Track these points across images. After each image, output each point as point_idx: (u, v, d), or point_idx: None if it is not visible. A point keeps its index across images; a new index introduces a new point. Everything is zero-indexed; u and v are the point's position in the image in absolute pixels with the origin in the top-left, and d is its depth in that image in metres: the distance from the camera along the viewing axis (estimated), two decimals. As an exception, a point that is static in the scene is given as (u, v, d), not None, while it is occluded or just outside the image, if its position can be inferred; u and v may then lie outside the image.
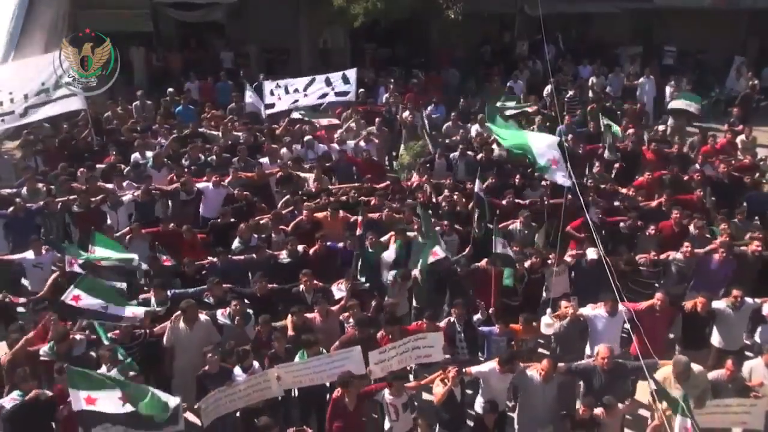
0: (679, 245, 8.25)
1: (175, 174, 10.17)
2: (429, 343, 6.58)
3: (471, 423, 6.56)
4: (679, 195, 9.69)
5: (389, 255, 8.23)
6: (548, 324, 6.92)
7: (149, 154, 10.98)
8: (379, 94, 15.53)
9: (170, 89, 14.71)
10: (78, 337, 6.74)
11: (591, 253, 8.00)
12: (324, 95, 12.42)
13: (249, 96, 13.71)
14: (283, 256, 8.27)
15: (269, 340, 6.77)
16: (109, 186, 9.84)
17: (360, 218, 8.44)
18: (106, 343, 6.55)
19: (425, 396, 7.00)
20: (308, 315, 7.13)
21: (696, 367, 6.17)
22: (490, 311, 7.35)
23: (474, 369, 6.38)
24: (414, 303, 8.14)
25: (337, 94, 12.42)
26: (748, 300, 7.11)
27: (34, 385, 6.01)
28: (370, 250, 8.21)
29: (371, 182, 10.17)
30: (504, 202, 9.46)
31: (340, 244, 8.44)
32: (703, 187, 10.19)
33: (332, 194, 9.85)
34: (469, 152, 11.30)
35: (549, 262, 7.93)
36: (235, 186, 9.94)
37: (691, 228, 8.71)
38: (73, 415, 5.76)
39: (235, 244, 8.59)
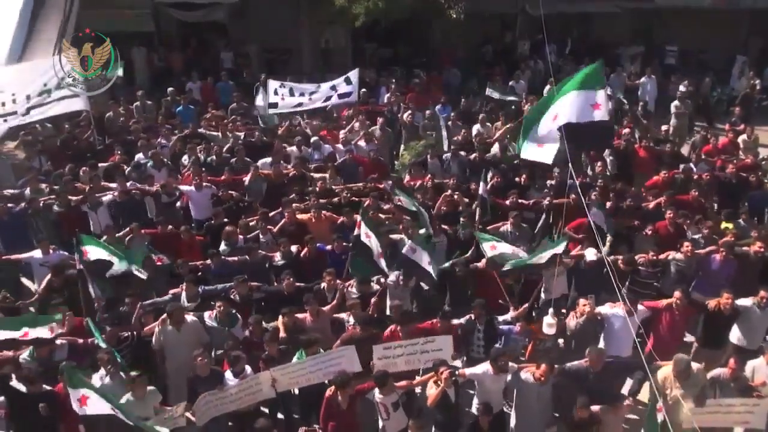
0: (675, 245, 8.25)
1: (192, 173, 10.14)
2: (438, 347, 6.54)
3: (469, 422, 6.52)
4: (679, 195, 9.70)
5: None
6: (550, 324, 6.91)
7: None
8: (380, 94, 15.54)
9: (170, 89, 14.74)
10: (59, 341, 6.69)
11: (590, 254, 8.00)
12: (328, 98, 12.57)
13: (260, 99, 13.82)
14: (278, 257, 8.30)
15: (261, 341, 6.76)
16: (113, 185, 9.83)
17: (359, 219, 8.39)
18: (102, 345, 6.52)
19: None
20: (299, 315, 7.13)
21: (695, 366, 6.18)
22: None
23: (468, 371, 6.37)
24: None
25: (340, 96, 12.54)
26: None
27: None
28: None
29: (375, 182, 10.16)
30: (507, 202, 9.44)
31: (328, 247, 8.44)
32: (710, 187, 10.18)
33: (317, 195, 9.71)
34: (462, 152, 11.33)
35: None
36: (254, 186, 9.99)
37: (696, 228, 8.71)
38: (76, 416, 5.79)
39: (222, 246, 8.57)
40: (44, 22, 14.64)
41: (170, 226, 8.92)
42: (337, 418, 6.11)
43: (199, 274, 8.06)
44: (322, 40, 19.67)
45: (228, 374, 6.35)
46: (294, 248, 8.38)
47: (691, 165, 10.99)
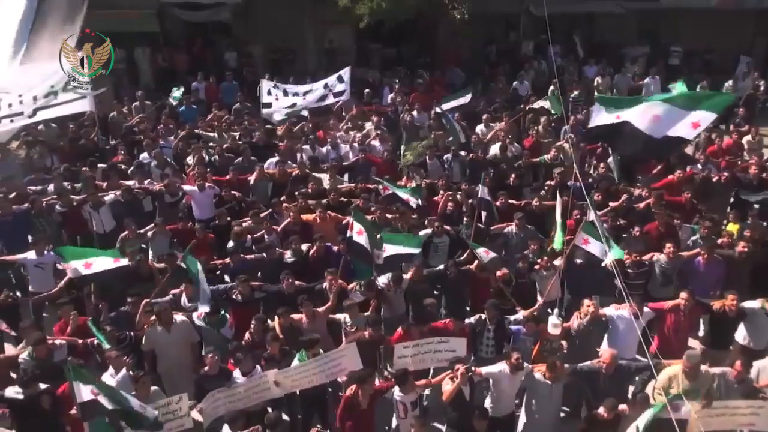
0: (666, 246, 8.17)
1: (197, 173, 10.07)
2: (451, 348, 6.56)
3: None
4: (700, 195, 9.64)
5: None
6: (555, 324, 6.89)
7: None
8: (384, 94, 15.54)
9: (181, 89, 14.69)
10: (58, 342, 6.68)
11: (579, 258, 7.96)
12: (323, 97, 12.61)
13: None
14: (288, 255, 8.30)
15: (262, 340, 6.76)
16: (129, 183, 9.85)
17: (350, 220, 8.31)
18: (106, 346, 6.50)
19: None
20: (295, 316, 7.11)
21: (702, 367, 6.15)
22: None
23: (484, 370, 6.34)
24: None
25: (335, 95, 12.60)
26: None
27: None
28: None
29: (364, 183, 10.15)
30: (497, 203, 9.37)
31: (334, 247, 8.43)
32: (729, 188, 10.12)
33: (306, 196, 9.68)
34: (462, 152, 11.29)
35: (536, 267, 7.92)
36: (259, 185, 10.00)
37: (694, 229, 8.69)
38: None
39: (230, 245, 8.59)
40: (50, 21, 14.64)
41: (191, 223, 9.06)
42: (356, 418, 6.09)
43: (218, 272, 8.11)
44: (326, 40, 19.72)
45: (236, 373, 6.35)
46: (304, 247, 8.39)
47: (699, 165, 10.91)
